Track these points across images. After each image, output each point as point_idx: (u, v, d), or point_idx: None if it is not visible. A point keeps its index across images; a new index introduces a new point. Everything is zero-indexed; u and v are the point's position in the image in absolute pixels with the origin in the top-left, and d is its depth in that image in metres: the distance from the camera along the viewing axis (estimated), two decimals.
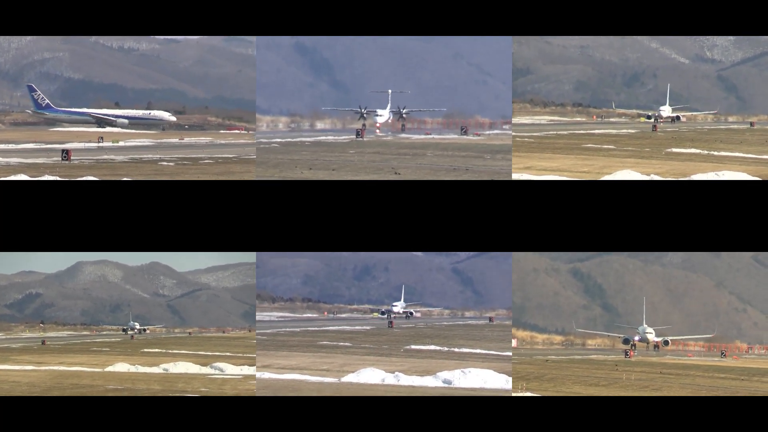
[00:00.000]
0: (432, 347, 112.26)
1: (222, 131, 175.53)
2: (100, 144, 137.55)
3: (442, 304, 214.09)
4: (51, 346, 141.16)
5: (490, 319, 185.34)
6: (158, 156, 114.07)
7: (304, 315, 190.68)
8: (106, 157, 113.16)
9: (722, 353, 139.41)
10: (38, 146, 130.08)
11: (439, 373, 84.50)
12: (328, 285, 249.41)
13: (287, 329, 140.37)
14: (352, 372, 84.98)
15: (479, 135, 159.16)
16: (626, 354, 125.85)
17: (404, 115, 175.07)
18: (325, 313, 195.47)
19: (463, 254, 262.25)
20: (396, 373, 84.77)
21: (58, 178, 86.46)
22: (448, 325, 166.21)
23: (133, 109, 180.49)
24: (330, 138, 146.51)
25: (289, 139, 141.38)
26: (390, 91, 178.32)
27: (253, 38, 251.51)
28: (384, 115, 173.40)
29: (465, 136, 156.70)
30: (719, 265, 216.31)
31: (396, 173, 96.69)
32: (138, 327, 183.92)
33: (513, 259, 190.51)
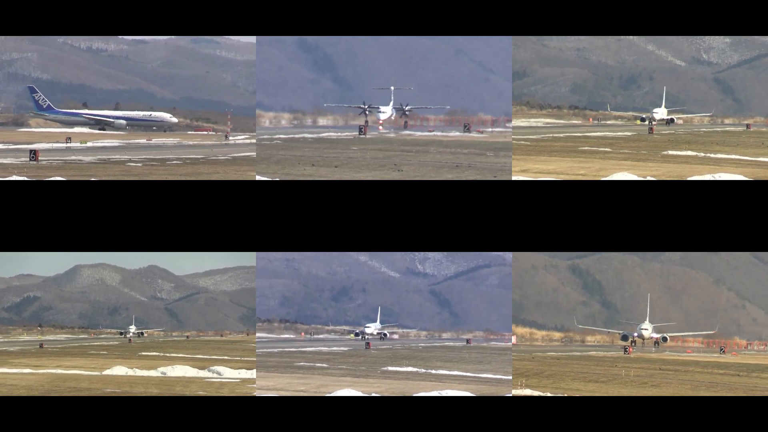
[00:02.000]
0: (409, 369, 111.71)
1: (190, 132, 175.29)
2: (68, 145, 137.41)
3: (419, 326, 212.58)
4: (49, 349, 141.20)
5: (468, 341, 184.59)
6: (126, 157, 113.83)
7: (282, 336, 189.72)
8: (73, 157, 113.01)
9: (721, 349, 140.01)
10: (6, 146, 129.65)
11: (415, 395, 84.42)
12: (305, 306, 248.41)
13: (265, 350, 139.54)
14: (329, 393, 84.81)
15: (482, 132, 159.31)
16: (625, 350, 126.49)
17: (407, 112, 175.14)
18: (303, 334, 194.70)
19: (440, 276, 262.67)
20: (372, 394, 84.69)
21: (26, 178, 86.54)
22: (425, 346, 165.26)
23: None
24: (333, 134, 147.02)
25: (291, 136, 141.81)
26: (393, 87, 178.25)
27: (220, 39, 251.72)
28: (386, 112, 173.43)
29: (468, 134, 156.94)
30: (718, 262, 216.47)
31: (399, 170, 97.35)
32: (133, 330, 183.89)
33: (511, 255, 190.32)
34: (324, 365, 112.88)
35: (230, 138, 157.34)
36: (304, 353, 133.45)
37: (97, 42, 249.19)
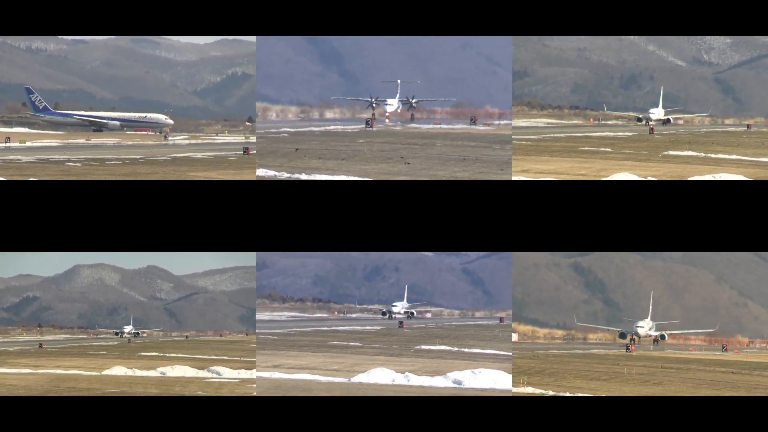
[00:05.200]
0: (442, 347, 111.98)
1: (129, 132, 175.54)
2: (7, 144, 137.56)
3: (452, 305, 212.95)
4: (48, 349, 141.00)
5: (501, 319, 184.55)
6: (66, 157, 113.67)
7: (315, 315, 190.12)
8: (12, 157, 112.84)
9: (723, 347, 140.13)
10: None
11: (449, 374, 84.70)
12: (338, 285, 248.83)
13: (298, 329, 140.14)
14: (362, 372, 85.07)
15: (488, 125, 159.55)
16: (627, 348, 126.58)
17: (413, 105, 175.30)
18: (336, 313, 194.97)
19: (473, 254, 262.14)
20: (406, 373, 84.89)
21: None
22: (458, 325, 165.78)
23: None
24: (339, 127, 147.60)
25: (298, 129, 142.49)
26: (399, 81, 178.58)
27: (160, 40, 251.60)
28: (393, 105, 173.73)
29: (474, 126, 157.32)
30: (719, 259, 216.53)
31: (406, 163, 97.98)
32: (128, 330, 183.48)
33: (513, 254, 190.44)
34: (357, 344, 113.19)
35: (169, 138, 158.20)
36: (337, 332, 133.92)
37: (37, 42, 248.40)
